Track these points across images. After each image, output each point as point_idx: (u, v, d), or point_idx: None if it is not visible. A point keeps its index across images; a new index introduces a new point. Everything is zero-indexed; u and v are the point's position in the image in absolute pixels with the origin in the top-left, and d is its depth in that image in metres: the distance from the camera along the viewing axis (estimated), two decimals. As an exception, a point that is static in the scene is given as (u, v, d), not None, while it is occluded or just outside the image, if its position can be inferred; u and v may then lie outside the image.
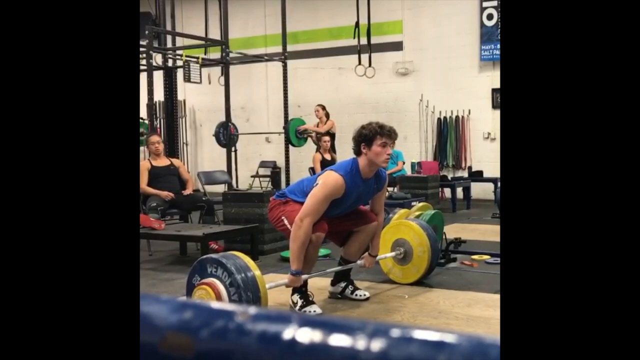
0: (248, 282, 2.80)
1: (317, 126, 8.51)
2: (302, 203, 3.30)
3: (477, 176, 9.09)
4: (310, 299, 3.40)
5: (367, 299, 3.66)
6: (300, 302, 3.36)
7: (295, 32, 10.68)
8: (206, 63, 7.95)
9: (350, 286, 3.72)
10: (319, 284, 4.06)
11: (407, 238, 3.98)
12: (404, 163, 8.71)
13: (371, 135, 3.27)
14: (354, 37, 9.23)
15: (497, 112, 9.78)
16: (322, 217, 3.31)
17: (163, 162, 5.81)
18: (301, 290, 3.38)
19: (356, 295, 3.69)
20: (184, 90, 10.87)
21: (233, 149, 9.05)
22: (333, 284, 3.77)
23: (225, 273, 2.81)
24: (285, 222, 3.38)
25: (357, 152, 3.35)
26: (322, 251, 5.15)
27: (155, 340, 0.56)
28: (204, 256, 3.06)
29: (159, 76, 8.05)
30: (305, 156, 9.67)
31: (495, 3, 9.81)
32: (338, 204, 3.33)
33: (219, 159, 10.49)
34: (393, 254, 3.99)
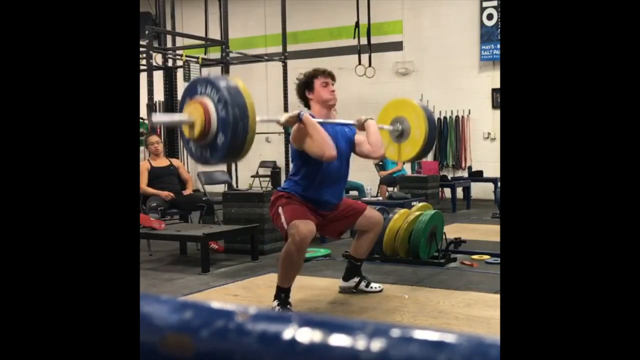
0: (234, 95, 2.74)
1: None
2: (295, 194, 3.35)
3: (477, 176, 9.09)
4: (289, 307, 3.38)
5: (381, 290, 3.78)
6: (277, 309, 3.34)
7: (295, 32, 10.68)
8: (206, 63, 7.96)
9: (364, 280, 3.79)
10: (319, 284, 4.06)
11: (407, 117, 3.99)
12: (404, 163, 8.71)
13: (309, 79, 3.43)
14: (354, 37, 9.24)
15: (497, 112, 9.78)
16: (318, 181, 3.34)
17: (163, 162, 5.82)
18: (281, 296, 3.36)
19: (371, 287, 3.79)
20: (184, 90, 10.85)
21: (233, 149, 9.03)
22: (346, 279, 3.81)
23: (214, 89, 2.77)
24: (282, 219, 3.38)
25: (305, 102, 3.47)
26: (322, 251, 5.16)
27: (155, 340, 0.56)
28: (195, 77, 2.98)
29: (159, 76, 8.05)
30: (305, 156, 9.65)
31: (495, 3, 9.81)
32: (321, 163, 3.34)
33: (219, 159, 10.47)
34: (390, 127, 3.98)
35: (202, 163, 3.00)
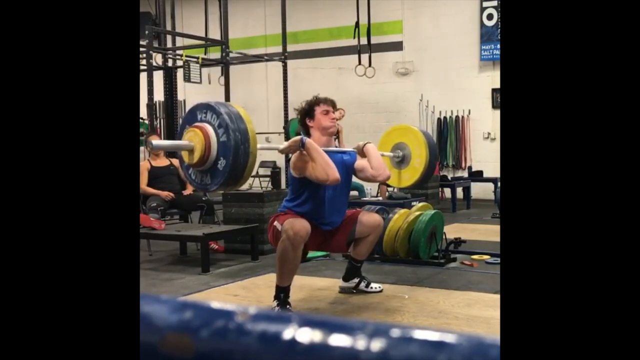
0: (235, 120, 2.73)
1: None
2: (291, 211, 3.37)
3: (477, 176, 9.09)
4: (288, 307, 3.38)
5: (381, 291, 3.79)
6: (276, 310, 3.35)
7: (295, 32, 10.68)
8: (206, 63, 7.96)
9: (364, 281, 3.80)
10: (319, 284, 4.06)
11: (409, 144, 4.00)
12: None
13: (310, 107, 3.46)
14: (354, 37, 9.24)
15: (497, 112, 9.78)
16: (318, 206, 3.35)
17: (163, 162, 5.82)
18: (280, 296, 3.36)
19: (371, 288, 3.79)
20: (184, 90, 10.86)
21: (233, 149, 9.04)
22: (346, 279, 3.81)
23: (214, 115, 2.76)
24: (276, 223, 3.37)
25: (306, 129, 3.50)
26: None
27: (155, 340, 0.56)
28: (193, 105, 2.98)
29: (159, 76, 8.05)
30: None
31: (495, 3, 9.81)
32: (323, 189, 3.35)
33: (219, 159, 10.47)
34: (391, 154, 4.00)
35: (202, 189, 3.01)
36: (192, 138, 2.77)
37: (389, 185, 8.34)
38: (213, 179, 2.80)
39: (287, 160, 8.61)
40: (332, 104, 3.47)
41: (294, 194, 3.45)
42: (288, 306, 3.38)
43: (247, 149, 2.73)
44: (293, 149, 3.24)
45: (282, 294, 3.36)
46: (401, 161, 3.99)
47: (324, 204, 3.42)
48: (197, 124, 2.80)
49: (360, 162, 3.58)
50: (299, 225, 3.20)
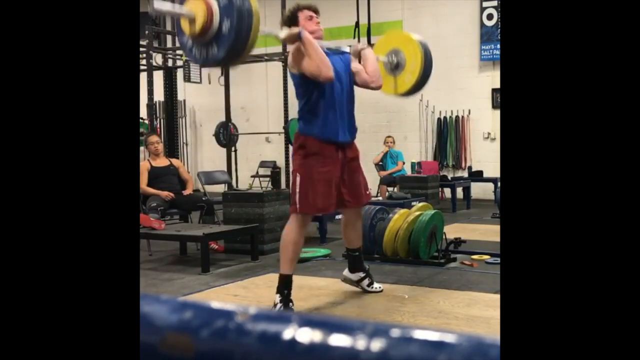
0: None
1: None
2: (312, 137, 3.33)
3: (477, 176, 9.10)
4: (290, 305, 3.38)
5: (381, 291, 3.76)
6: (279, 305, 3.35)
7: (295, 32, 10.66)
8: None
9: (367, 278, 3.76)
10: (319, 284, 4.06)
11: (403, 50, 3.95)
12: (404, 163, 8.72)
13: (294, 13, 3.40)
14: (354, 37, 9.23)
15: (497, 112, 9.79)
16: (326, 106, 3.32)
17: (163, 162, 5.82)
18: (284, 292, 3.36)
19: (372, 288, 3.76)
20: (184, 90, 10.87)
21: (233, 149, 9.06)
22: (352, 271, 3.77)
23: None
24: (296, 195, 3.36)
25: None
26: (322, 251, 5.16)
27: (155, 340, 0.56)
28: None
29: (159, 76, 8.05)
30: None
31: (495, 3, 9.81)
32: (322, 85, 3.33)
33: (219, 159, 10.49)
34: (385, 59, 3.93)
35: (204, 62, 2.94)
36: (193, 7, 2.74)
37: (389, 186, 8.36)
38: (219, 46, 2.75)
39: (287, 161, 8.62)
40: (314, 9, 3.42)
41: (305, 99, 3.36)
42: (291, 304, 3.38)
43: (251, 18, 2.69)
44: (291, 39, 3.24)
45: (285, 289, 3.36)
46: (396, 67, 3.92)
47: (336, 104, 3.35)
48: None
49: (355, 66, 3.53)
50: (314, 207, 3.31)
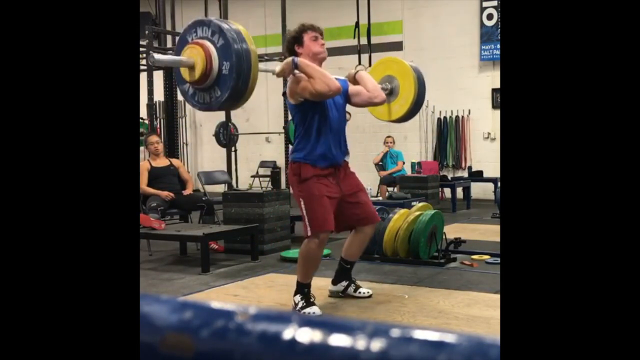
0: (237, 36, 2.72)
1: None
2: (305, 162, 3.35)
3: (477, 176, 9.10)
4: (312, 300, 3.41)
5: (370, 296, 3.70)
6: (301, 303, 3.37)
7: (295, 32, 10.66)
8: (206, 63, 7.94)
9: (352, 285, 3.74)
10: (319, 284, 4.06)
11: (397, 78, 3.97)
12: (404, 163, 8.72)
13: (299, 33, 3.39)
14: (354, 37, 9.23)
15: (497, 112, 9.79)
16: (322, 131, 3.34)
17: (163, 162, 5.82)
18: (303, 291, 3.39)
19: (359, 293, 3.71)
20: (184, 90, 10.85)
21: (233, 149, 9.06)
22: (334, 283, 3.77)
23: (214, 33, 2.74)
24: (305, 218, 3.37)
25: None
26: (324, 251, 5.15)
27: (155, 340, 0.56)
28: (191, 21, 2.94)
29: (159, 76, 8.05)
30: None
31: (495, 3, 9.81)
32: (323, 111, 3.35)
33: (219, 159, 10.49)
34: (380, 86, 3.92)
35: (208, 107, 2.96)
36: (191, 55, 2.75)
37: (389, 186, 8.36)
38: (221, 90, 2.77)
39: (287, 161, 8.61)
40: (319, 31, 3.41)
41: (303, 126, 3.38)
42: (312, 299, 3.41)
43: (249, 64, 2.71)
44: (287, 71, 3.24)
45: (305, 288, 3.40)
46: (390, 93, 3.95)
47: (332, 130, 3.38)
48: (196, 40, 2.78)
49: (354, 88, 3.54)
50: (325, 236, 3.33)
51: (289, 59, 3.25)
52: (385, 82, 3.95)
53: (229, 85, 2.77)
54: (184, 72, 2.85)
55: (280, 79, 8.60)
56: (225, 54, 2.73)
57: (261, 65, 3.05)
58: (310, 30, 3.39)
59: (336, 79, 3.45)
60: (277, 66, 3.26)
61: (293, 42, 3.39)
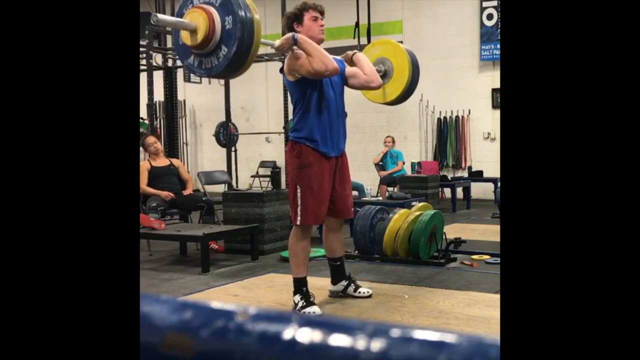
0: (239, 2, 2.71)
1: None
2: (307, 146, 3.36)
3: (477, 176, 9.10)
4: (311, 299, 3.40)
5: (370, 295, 3.69)
6: (300, 303, 3.37)
7: (295, 32, 10.66)
8: (206, 63, 7.94)
9: (352, 284, 3.74)
10: (319, 284, 4.06)
11: (391, 59, 3.97)
12: (403, 163, 8.72)
13: (299, 12, 3.37)
14: (354, 37, 9.23)
15: (497, 112, 9.79)
16: (320, 112, 3.34)
17: (162, 162, 5.82)
18: (302, 290, 3.40)
19: (359, 292, 3.71)
20: (184, 90, 10.87)
21: (233, 149, 9.06)
22: (334, 283, 3.77)
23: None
24: (298, 206, 3.38)
25: None
26: (322, 251, 5.15)
27: (155, 340, 0.56)
28: None
29: (159, 76, 8.05)
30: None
31: (495, 3, 9.81)
32: (321, 89, 3.35)
33: (219, 159, 10.49)
34: (374, 68, 3.95)
35: (207, 74, 2.94)
36: (193, 19, 2.74)
37: (389, 186, 8.36)
38: (221, 57, 2.75)
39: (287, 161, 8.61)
40: (320, 10, 3.40)
41: (301, 104, 3.37)
42: (312, 298, 3.41)
43: (252, 32, 2.70)
44: (286, 47, 3.23)
45: (303, 287, 3.40)
46: (384, 75, 3.94)
47: (330, 109, 3.38)
48: (198, 5, 2.77)
49: (350, 69, 3.54)
50: (317, 217, 3.37)
51: (289, 34, 3.24)
52: (379, 63, 3.95)
53: (229, 54, 2.75)
54: (186, 38, 2.83)
55: (280, 79, 8.62)
56: (226, 10, 2.72)
57: (264, 40, 3.03)
58: (311, 9, 3.37)
59: (333, 58, 3.46)
60: (277, 41, 3.24)
61: (293, 19, 3.37)
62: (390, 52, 3.99)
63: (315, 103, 3.34)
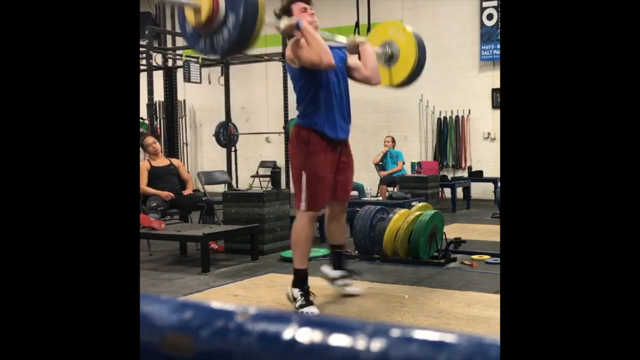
0: None
1: None
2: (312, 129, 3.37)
3: (477, 176, 9.10)
4: (311, 299, 3.40)
5: (358, 295, 3.70)
6: (300, 300, 3.36)
7: (295, 32, 10.67)
8: (206, 63, 7.95)
9: (346, 279, 3.74)
10: (320, 284, 4.06)
11: (397, 42, 3.96)
12: (403, 163, 8.72)
13: (287, 6, 3.40)
14: (354, 37, 9.22)
15: (497, 112, 9.79)
16: (324, 98, 3.35)
17: (162, 162, 5.82)
18: (304, 288, 3.39)
19: (346, 290, 3.72)
20: (184, 90, 10.86)
21: (233, 149, 9.06)
22: (335, 267, 3.76)
23: None
24: (303, 188, 3.38)
25: None
26: (322, 251, 5.15)
27: (155, 340, 0.56)
28: None
29: (159, 76, 8.05)
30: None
31: (495, 3, 9.81)
32: (324, 73, 3.35)
33: (219, 159, 10.49)
34: (379, 50, 3.93)
35: (210, 52, 2.92)
36: None
37: (389, 186, 8.36)
38: (225, 35, 2.73)
39: (287, 161, 8.61)
40: (307, 0, 3.42)
41: (304, 92, 3.39)
42: (312, 298, 3.41)
43: (256, 6, 2.68)
44: (289, 30, 3.26)
45: (305, 284, 3.40)
46: (390, 58, 3.93)
47: (334, 93, 3.39)
48: None
49: (353, 61, 3.54)
50: (322, 204, 3.37)
51: (295, 19, 3.26)
52: (385, 45, 3.93)
53: (233, 32, 2.73)
54: (189, 14, 2.81)
55: (280, 79, 8.62)
56: (233, 3, 2.71)
57: (266, 18, 3.03)
58: (298, 1, 3.40)
59: (336, 47, 3.46)
60: (282, 22, 3.26)
61: (283, 12, 3.41)
62: (396, 35, 3.97)
63: (319, 88, 3.35)
